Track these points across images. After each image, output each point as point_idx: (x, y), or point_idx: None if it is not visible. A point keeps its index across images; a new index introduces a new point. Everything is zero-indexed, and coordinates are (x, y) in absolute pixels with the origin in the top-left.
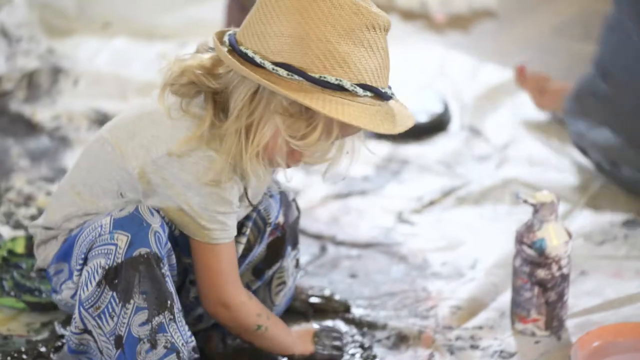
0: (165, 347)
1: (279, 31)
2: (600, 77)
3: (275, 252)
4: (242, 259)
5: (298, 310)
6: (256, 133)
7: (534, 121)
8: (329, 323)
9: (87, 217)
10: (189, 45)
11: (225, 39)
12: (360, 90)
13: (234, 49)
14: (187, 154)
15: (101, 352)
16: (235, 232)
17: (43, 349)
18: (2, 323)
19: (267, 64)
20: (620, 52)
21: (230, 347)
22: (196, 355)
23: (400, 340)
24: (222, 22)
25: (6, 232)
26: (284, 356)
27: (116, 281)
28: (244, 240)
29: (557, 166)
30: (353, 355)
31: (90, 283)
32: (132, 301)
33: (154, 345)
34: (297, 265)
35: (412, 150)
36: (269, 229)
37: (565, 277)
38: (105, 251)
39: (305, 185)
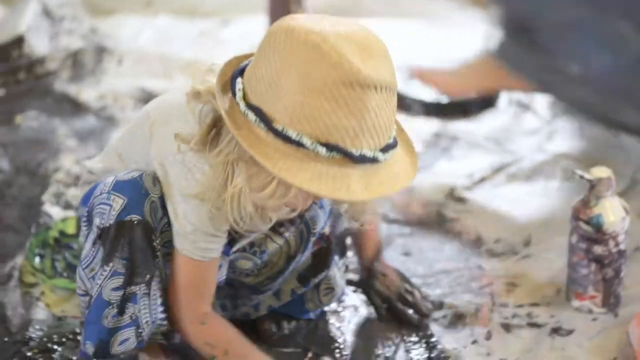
0: (131, 317)
1: (260, 74)
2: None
3: (321, 261)
4: (285, 264)
5: (372, 300)
6: (234, 175)
7: None
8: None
9: None
10: (231, 24)
11: (245, 62)
12: (322, 150)
13: (234, 78)
14: (189, 161)
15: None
16: (214, 255)
17: None
18: (55, 304)
19: (242, 104)
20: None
21: (286, 328)
22: (161, 341)
23: (457, 318)
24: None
25: (56, 212)
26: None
27: (105, 242)
28: (280, 241)
29: (607, 139)
30: (409, 334)
31: (88, 241)
32: (111, 264)
33: (120, 312)
34: (346, 270)
35: (461, 126)
36: (312, 239)
37: (622, 254)
38: (101, 211)
39: None
